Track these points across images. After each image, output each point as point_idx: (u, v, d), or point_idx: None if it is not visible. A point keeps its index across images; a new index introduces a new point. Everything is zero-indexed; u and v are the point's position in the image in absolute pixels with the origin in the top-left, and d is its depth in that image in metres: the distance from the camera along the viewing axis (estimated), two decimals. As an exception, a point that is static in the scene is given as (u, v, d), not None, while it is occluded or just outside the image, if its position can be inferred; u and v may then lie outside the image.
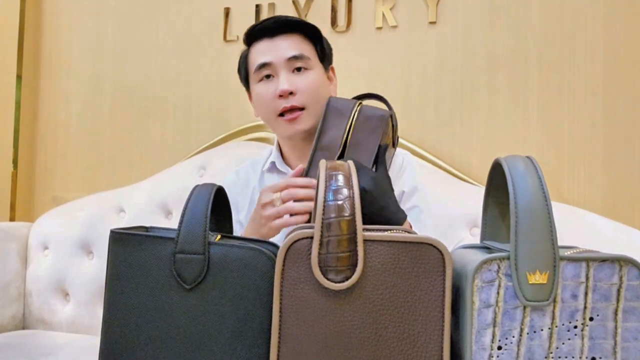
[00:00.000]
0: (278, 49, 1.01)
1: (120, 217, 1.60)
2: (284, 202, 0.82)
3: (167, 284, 0.54)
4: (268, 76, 1.02)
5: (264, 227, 0.84)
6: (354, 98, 0.97)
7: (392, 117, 0.89)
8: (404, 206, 1.02)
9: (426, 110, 1.47)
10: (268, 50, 1.01)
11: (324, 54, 1.08)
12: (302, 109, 0.99)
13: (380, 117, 0.86)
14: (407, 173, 1.07)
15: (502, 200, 0.59)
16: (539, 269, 0.48)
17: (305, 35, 1.04)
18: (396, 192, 1.03)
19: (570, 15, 1.38)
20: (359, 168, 0.74)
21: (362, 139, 0.85)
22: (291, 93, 0.99)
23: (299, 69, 1.01)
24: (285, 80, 0.99)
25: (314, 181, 0.81)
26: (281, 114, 1.00)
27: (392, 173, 1.05)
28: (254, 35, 1.04)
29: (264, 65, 1.01)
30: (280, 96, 0.99)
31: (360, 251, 0.49)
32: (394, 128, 0.91)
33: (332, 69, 1.12)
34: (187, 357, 0.52)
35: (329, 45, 1.10)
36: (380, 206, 0.73)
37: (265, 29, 1.03)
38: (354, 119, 0.86)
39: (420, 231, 1.03)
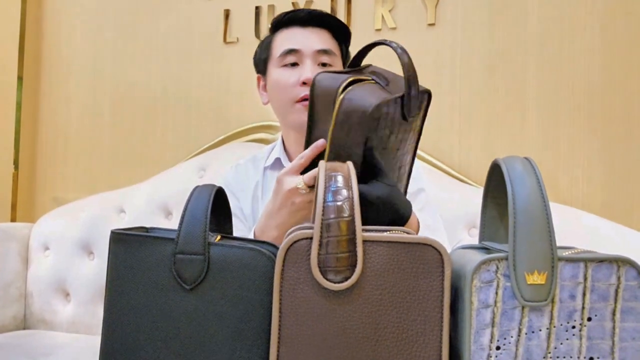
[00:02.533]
0: (308, 39, 1.00)
1: (121, 217, 1.60)
2: (308, 186, 0.74)
3: (167, 284, 0.54)
4: (293, 64, 1.00)
5: (298, 213, 0.76)
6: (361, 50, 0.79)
7: (396, 101, 0.69)
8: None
9: (425, 111, 1.47)
10: (298, 38, 1.00)
11: (347, 57, 1.07)
12: None
13: (361, 113, 0.66)
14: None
15: (500, 201, 0.59)
16: (537, 270, 0.48)
17: (334, 33, 1.04)
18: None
19: (568, 17, 1.38)
20: (378, 174, 0.68)
21: (345, 140, 0.68)
22: None
23: (324, 64, 1.00)
24: (310, 70, 0.98)
25: (319, 142, 0.73)
26: (299, 101, 0.98)
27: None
28: (283, 22, 1.03)
29: (291, 52, 1.00)
30: (304, 84, 0.97)
31: (360, 252, 0.49)
32: (405, 109, 0.71)
33: None
34: (187, 357, 0.52)
35: (349, 51, 1.09)
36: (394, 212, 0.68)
37: (297, 18, 1.02)
38: (335, 113, 0.69)
39: (436, 226, 1.01)
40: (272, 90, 1.04)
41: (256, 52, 1.10)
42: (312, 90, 0.73)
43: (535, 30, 1.41)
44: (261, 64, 1.07)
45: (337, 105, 0.68)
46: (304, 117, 0.95)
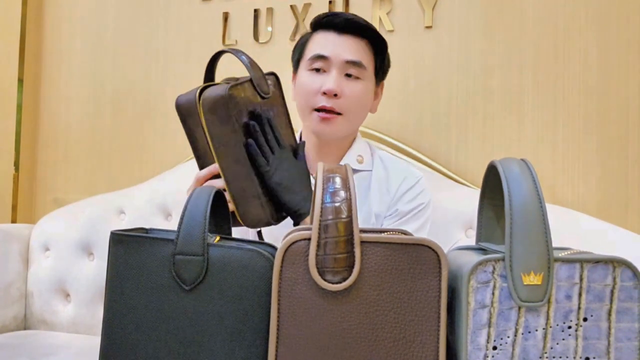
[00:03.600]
0: (340, 47, 0.98)
1: (121, 218, 1.61)
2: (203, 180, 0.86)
3: (166, 284, 0.54)
4: (319, 70, 0.99)
5: None
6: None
7: (246, 83, 0.84)
8: (406, 225, 1.01)
9: (422, 114, 1.48)
10: (330, 45, 0.99)
11: (382, 69, 1.05)
12: (339, 113, 0.98)
13: (219, 99, 0.78)
14: (412, 193, 1.05)
15: (497, 202, 0.60)
16: (533, 270, 0.48)
17: (370, 43, 1.01)
18: (386, 208, 1.04)
19: (564, 19, 1.39)
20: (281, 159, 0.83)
21: (220, 131, 0.79)
22: (335, 95, 0.97)
23: (349, 75, 0.99)
24: (333, 81, 0.97)
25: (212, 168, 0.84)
26: (317, 110, 0.98)
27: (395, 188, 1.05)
28: (322, 24, 1.02)
29: (320, 57, 0.98)
30: (324, 94, 0.97)
31: (357, 252, 0.50)
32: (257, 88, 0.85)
33: (382, 85, 1.10)
34: (187, 357, 0.53)
35: (389, 60, 1.08)
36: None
37: (335, 23, 1.00)
38: (201, 114, 0.80)
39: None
40: (297, 91, 1.04)
41: (294, 48, 1.08)
42: (178, 113, 0.84)
43: (531, 33, 1.41)
44: (295, 62, 1.07)
45: (199, 109, 0.79)
46: (319, 128, 1.00)
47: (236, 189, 0.81)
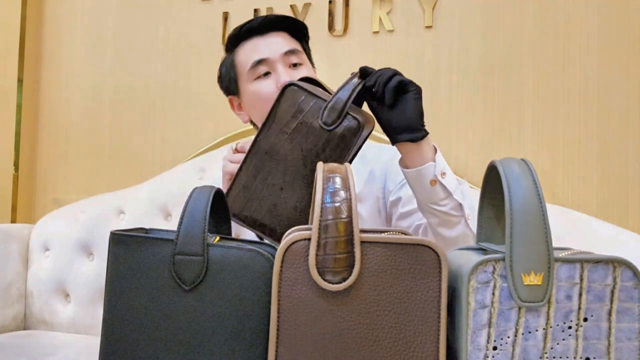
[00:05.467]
0: (272, 45, 0.98)
1: (120, 218, 1.61)
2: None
3: (166, 285, 0.54)
4: (266, 74, 0.99)
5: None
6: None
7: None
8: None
9: (423, 113, 1.48)
10: (262, 47, 0.99)
11: (309, 52, 1.07)
12: None
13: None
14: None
15: (497, 202, 0.59)
16: (533, 270, 0.48)
17: (292, 33, 1.02)
18: (394, 183, 1.02)
19: (564, 19, 1.39)
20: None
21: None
22: None
23: (295, 65, 0.99)
24: (285, 74, 0.97)
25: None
26: None
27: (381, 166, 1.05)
28: (240, 36, 1.02)
29: (260, 62, 0.98)
30: None
31: (357, 253, 0.50)
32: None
33: (315, 70, 1.10)
34: (187, 357, 0.53)
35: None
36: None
37: (253, 28, 1.00)
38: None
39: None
40: (253, 104, 1.02)
41: (220, 75, 1.07)
42: (280, 95, 0.78)
43: (531, 33, 1.41)
44: (232, 84, 1.05)
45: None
46: None
47: (244, 179, 0.79)
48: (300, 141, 0.76)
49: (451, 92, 1.47)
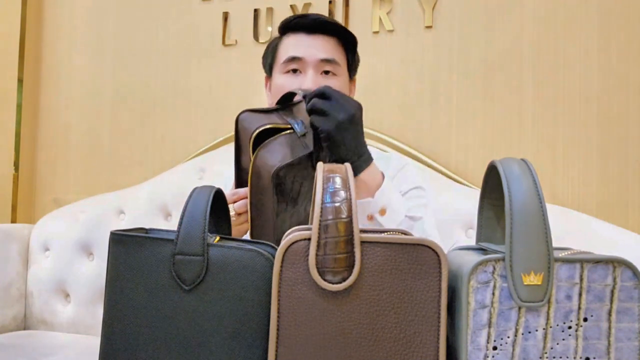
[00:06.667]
0: (312, 47, 0.99)
1: (120, 218, 1.61)
2: (238, 214, 0.82)
3: (166, 285, 0.54)
4: (295, 70, 1.00)
5: (235, 229, 0.85)
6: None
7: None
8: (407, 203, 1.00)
9: (422, 114, 1.48)
10: (302, 46, 0.99)
11: (353, 64, 1.06)
12: None
13: (267, 172, 0.76)
14: (405, 174, 1.07)
15: (497, 202, 0.60)
16: (533, 270, 0.48)
17: (341, 40, 1.02)
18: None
19: (565, 20, 1.39)
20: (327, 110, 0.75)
21: (258, 185, 0.77)
22: None
23: (327, 72, 0.99)
24: (311, 80, 0.97)
25: (240, 191, 0.82)
26: None
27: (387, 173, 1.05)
28: (291, 27, 1.02)
29: (294, 59, 0.99)
30: None
31: (357, 252, 0.49)
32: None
33: (354, 81, 1.11)
34: (186, 357, 0.53)
35: (358, 56, 1.09)
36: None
37: (304, 24, 1.00)
38: (251, 163, 0.78)
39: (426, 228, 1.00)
40: (275, 95, 1.04)
41: (265, 54, 1.09)
42: (235, 126, 0.80)
43: (531, 33, 1.41)
44: (267, 66, 1.08)
45: (252, 157, 0.76)
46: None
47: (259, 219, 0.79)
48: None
49: (451, 92, 1.47)
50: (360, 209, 0.79)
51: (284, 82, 1.00)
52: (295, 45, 1.00)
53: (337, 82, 1.00)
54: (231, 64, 1.69)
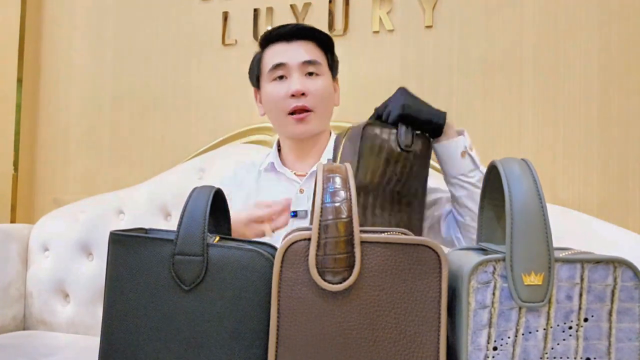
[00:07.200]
0: (294, 52, 1.07)
1: (120, 218, 1.60)
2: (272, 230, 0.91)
3: (166, 285, 0.54)
4: (281, 77, 1.07)
5: (246, 230, 0.91)
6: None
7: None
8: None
9: (424, 113, 1.48)
10: (284, 53, 1.07)
11: (333, 64, 1.14)
12: (310, 110, 1.06)
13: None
14: None
15: (497, 202, 0.59)
16: (534, 271, 0.48)
17: (318, 43, 1.10)
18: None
19: (565, 19, 1.39)
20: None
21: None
22: (303, 94, 1.05)
23: (310, 74, 1.07)
24: (298, 82, 1.05)
25: (285, 202, 0.92)
26: (291, 113, 1.06)
27: None
28: (270, 39, 1.10)
29: (278, 66, 1.07)
30: (293, 96, 1.05)
31: (357, 253, 0.49)
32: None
33: (337, 80, 1.17)
34: (186, 357, 0.53)
35: (336, 56, 1.16)
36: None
37: (282, 33, 1.08)
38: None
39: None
40: (266, 103, 1.11)
41: (250, 68, 1.16)
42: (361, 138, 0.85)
43: (531, 33, 1.41)
44: (255, 79, 1.15)
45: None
46: (297, 129, 1.08)
47: None
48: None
49: (451, 91, 1.47)
50: (454, 146, 0.89)
51: (272, 90, 1.08)
52: (278, 53, 1.08)
53: (322, 82, 1.08)
54: (231, 64, 1.68)
